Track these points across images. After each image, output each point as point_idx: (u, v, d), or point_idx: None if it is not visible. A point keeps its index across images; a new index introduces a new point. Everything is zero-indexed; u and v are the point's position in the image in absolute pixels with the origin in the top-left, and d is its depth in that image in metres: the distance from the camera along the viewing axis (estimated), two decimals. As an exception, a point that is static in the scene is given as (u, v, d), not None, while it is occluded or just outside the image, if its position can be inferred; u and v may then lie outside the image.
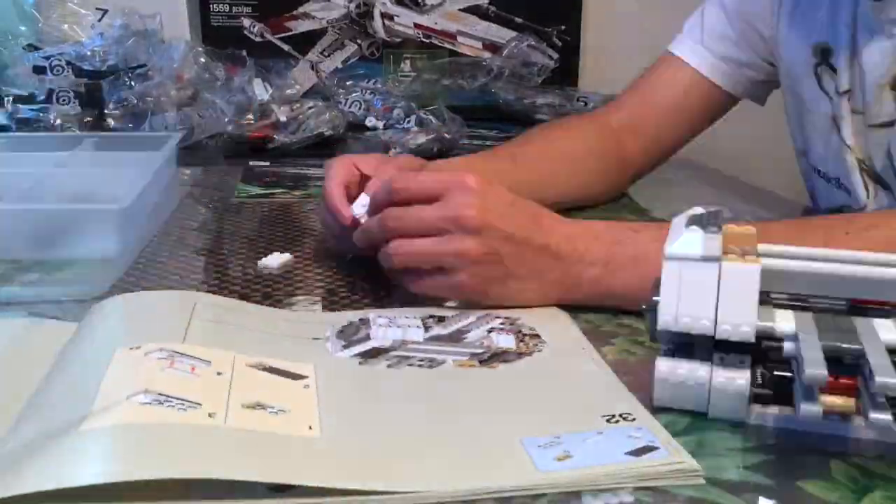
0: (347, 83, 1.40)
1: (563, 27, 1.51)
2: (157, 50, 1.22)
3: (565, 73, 1.52)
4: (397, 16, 1.49)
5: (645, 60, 1.61)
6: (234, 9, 1.45)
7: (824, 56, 0.74)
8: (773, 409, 0.41)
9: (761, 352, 0.40)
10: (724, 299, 0.39)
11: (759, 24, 0.82)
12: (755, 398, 0.40)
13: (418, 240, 0.55)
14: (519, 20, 1.50)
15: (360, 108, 1.34)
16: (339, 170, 0.64)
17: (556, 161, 0.82)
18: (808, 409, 0.36)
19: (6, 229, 0.65)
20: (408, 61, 1.50)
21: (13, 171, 0.78)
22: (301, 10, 1.47)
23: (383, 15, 1.48)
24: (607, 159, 0.86)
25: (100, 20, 1.28)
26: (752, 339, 0.39)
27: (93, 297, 0.58)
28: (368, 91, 1.36)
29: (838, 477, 0.37)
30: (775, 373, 0.40)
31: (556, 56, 1.50)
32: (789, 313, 0.40)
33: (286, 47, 1.47)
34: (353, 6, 1.48)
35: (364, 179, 0.64)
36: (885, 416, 0.35)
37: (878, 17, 0.68)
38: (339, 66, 1.49)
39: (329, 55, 1.49)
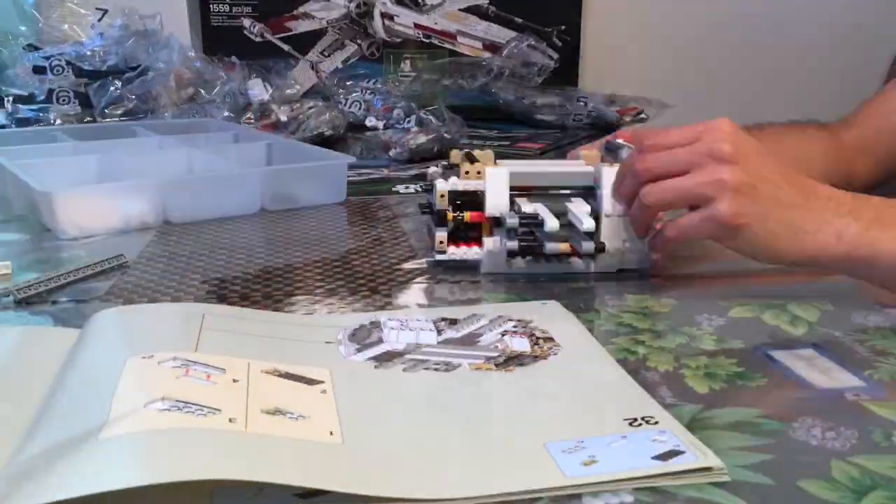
0: (347, 83, 1.40)
1: (563, 27, 1.51)
2: (156, 50, 1.22)
3: (566, 73, 1.52)
4: (397, 16, 1.49)
5: (645, 60, 1.61)
6: (235, 9, 1.45)
7: None
8: (525, 261, 0.63)
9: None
10: (489, 192, 0.62)
11: None
12: (513, 254, 0.61)
13: (673, 179, 0.56)
14: (519, 20, 1.50)
15: (360, 108, 1.34)
16: None
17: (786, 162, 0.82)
18: (551, 247, 0.60)
19: (254, 188, 0.82)
20: (408, 61, 1.50)
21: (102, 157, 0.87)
22: (301, 10, 1.48)
23: (383, 15, 1.49)
24: (836, 174, 0.85)
25: (100, 20, 1.28)
26: (505, 212, 0.61)
27: (92, 298, 0.58)
28: (368, 91, 1.36)
29: (838, 477, 0.37)
30: (525, 236, 0.60)
31: (556, 56, 1.50)
32: (525, 199, 0.62)
33: (286, 47, 1.47)
34: (353, 6, 1.48)
35: None
36: (590, 244, 0.60)
37: None
38: (340, 66, 1.49)
39: (329, 55, 1.49)
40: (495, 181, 0.62)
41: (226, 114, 1.26)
